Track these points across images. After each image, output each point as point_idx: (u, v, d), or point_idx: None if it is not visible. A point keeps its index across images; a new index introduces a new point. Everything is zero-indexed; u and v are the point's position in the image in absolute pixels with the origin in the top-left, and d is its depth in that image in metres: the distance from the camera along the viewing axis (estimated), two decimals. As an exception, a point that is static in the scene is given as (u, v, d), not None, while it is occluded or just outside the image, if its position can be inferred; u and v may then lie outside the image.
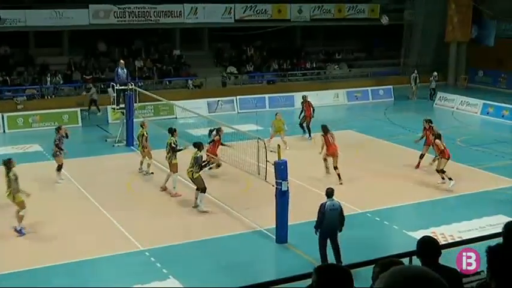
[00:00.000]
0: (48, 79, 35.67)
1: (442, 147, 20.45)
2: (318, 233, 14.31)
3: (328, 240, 14.22)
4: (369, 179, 21.40)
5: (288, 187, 15.65)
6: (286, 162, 15.69)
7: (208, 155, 20.53)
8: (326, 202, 14.16)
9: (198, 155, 18.06)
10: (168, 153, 19.94)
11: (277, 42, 44.58)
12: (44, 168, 21.86)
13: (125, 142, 26.32)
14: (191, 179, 18.25)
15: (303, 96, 29.20)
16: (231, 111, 34.72)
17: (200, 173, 18.22)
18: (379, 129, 29.69)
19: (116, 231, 16.61)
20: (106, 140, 27.59)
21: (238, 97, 35.43)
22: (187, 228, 17.10)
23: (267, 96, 36.04)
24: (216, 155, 21.00)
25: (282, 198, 15.65)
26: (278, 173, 15.67)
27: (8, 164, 16.31)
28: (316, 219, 14.22)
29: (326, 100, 37.63)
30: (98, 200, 18.82)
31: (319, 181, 20.45)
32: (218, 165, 21.46)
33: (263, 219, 17.09)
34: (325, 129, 21.16)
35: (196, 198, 18.17)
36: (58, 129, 21.24)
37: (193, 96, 35.97)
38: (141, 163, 22.38)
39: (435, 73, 39.33)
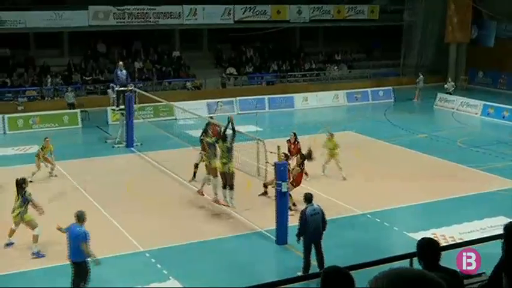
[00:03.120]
0: (49, 80, 35.70)
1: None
2: (300, 241, 14.10)
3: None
4: (369, 180, 21.40)
5: (287, 188, 15.66)
6: (286, 163, 15.71)
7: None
8: (306, 208, 13.95)
9: (229, 145, 17.70)
10: (204, 153, 19.06)
11: (276, 43, 44.60)
12: (44, 170, 21.84)
13: (124, 143, 26.34)
14: (224, 173, 17.76)
15: (291, 133, 22.35)
16: (230, 112, 34.70)
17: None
18: (379, 131, 29.68)
19: (116, 232, 16.62)
20: (106, 141, 27.60)
21: (238, 98, 35.45)
22: (188, 229, 17.10)
23: (266, 97, 36.07)
24: None
25: (281, 199, 15.66)
26: (278, 174, 15.69)
27: (21, 183, 15.75)
28: (298, 226, 14.10)
29: (326, 101, 37.68)
30: (98, 201, 18.83)
31: (321, 182, 20.47)
32: None
33: (263, 220, 17.12)
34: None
35: (217, 197, 18.11)
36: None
37: (193, 97, 35.96)
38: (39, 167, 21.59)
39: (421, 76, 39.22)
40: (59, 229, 13.14)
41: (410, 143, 26.94)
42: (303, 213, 13.96)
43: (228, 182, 17.77)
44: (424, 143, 27.30)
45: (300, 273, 13.71)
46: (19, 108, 32.71)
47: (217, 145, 18.47)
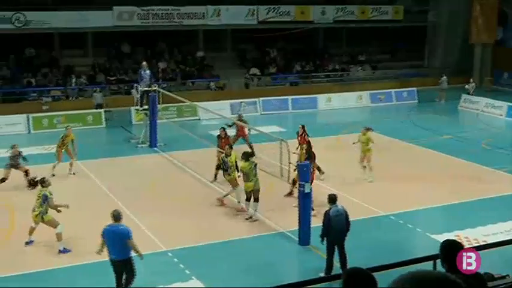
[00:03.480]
0: (73, 80, 35.99)
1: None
2: (324, 242, 14.12)
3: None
4: (393, 181, 21.31)
5: (310, 189, 15.64)
6: (309, 164, 15.69)
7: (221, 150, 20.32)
8: (330, 209, 13.94)
9: (251, 165, 17.46)
10: (225, 172, 18.85)
11: (300, 43, 44.55)
12: (64, 167, 22.01)
13: (148, 143, 26.46)
14: (249, 192, 17.60)
15: (300, 126, 22.26)
16: (253, 112, 34.73)
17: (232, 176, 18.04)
18: (402, 132, 29.55)
19: (139, 231, 16.66)
20: (130, 141, 27.76)
21: (261, 99, 35.46)
22: (211, 230, 17.14)
23: (290, 98, 36.03)
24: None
25: (304, 200, 15.64)
26: (301, 175, 15.68)
27: (41, 182, 16.00)
28: (322, 226, 14.09)
29: (349, 102, 37.57)
30: (121, 200, 18.94)
31: (344, 182, 20.42)
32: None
33: (286, 221, 17.12)
34: None
35: (241, 205, 18.00)
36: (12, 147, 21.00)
37: (216, 97, 36.04)
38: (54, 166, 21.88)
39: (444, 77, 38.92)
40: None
41: (435, 144, 26.75)
42: (326, 214, 13.92)
43: (254, 195, 17.65)
44: (449, 144, 27.10)
45: (322, 274, 13.71)
46: (44, 107, 33.00)
47: (228, 159, 18.40)
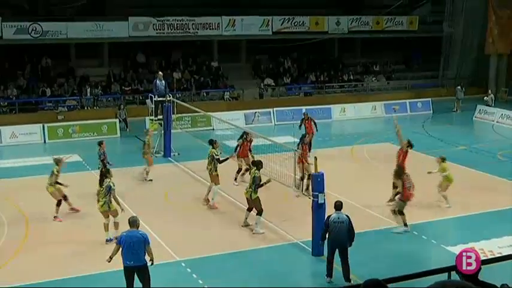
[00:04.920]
0: (88, 90, 36.14)
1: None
2: (322, 246, 14.52)
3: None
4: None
5: (324, 200, 15.55)
6: (323, 174, 15.62)
7: (238, 158, 21.98)
8: (332, 214, 14.15)
9: (256, 175, 17.38)
10: (209, 165, 19.98)
11: (314, 54, 44.55)
12: (84, 179, 22.09)
13: (162, 153, 26.49)
14: (248, 199, 17.65)
15: (304, 113, 27.38)
16: (268, 123, 34.75)
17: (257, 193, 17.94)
18: (417, 142, 29.08)
19: (152, 240, 16.58)
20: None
21: (275, 109, 35.46)
22: (224, 240, 17.09)
23: (304, 108, 35.92)
24: (246, 157, 21.96)
25: (318, 211, 15.56)
26: (315, 185, 15.60)
27: (105, 173, 17.07)
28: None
29: (364, 112, 37.49)
30: (134, 209, 18.89)
31: (358, 194, 20.30)
32: (246, 170, 21.91)
33: (299, 231, 17.03)
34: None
35: (246, 218, 17.90)
36: (100, 143, 21.35)
37: (230, 107, 36.10)
38: (145, 170, 22.92)
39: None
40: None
41: (449, 155, 26.48)
42: (327, 218, 14.12)
43: (255, 208, 17.59)
44: (464, 155, 26.91)
45: (328, 279, 14.00)
46: (59, 117, 33.18)
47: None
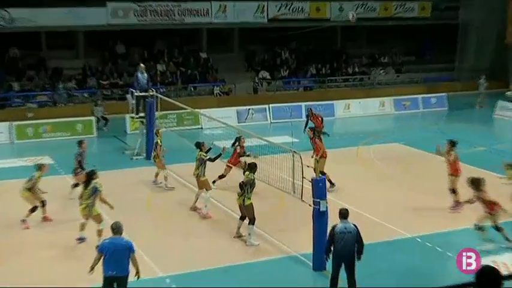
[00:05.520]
0: (61, 85, 35.99)
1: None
2: (328, 259, 14.25)
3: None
4: (418, 199, 21.11)
5: (326, 207, 15.47)
6: (324, 179, 15.56)
7: (228, 166, 22.07)
8: (337, 224, 13.94)
9: (250, 177, 17.35)
10: (196, 170, 20.01)
11: (315, 44, 44.54)
12: (57, 183, 21.94)
13: (144, 155, 26.39)
14: (240, 206, 17.59)
15: (308, 109, 28.65)
16: (263, 121, 34.69)
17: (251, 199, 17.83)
18: (430, 143, 29.18)
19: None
20: (124, 153, 27.71)
21: (271, 105, 35.43)
22: (213, 252, 17.00)
23: (303, 104, 35.91)
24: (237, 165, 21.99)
25: (320, 219, 15.48)
26: (316, 191, 15.51)
27: (92, 174, 17.11)
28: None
29: (370, 109, 37.50)
30: (113, 219, 18.72)
31: (364, 200, 20.23)
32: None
33: (298, 243, 16.96)
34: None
35: (239, 228, 17.86)
36: (80, 143, 21.30)
37: (221, 104, 36.05)
38: (156, 175, 22.85)
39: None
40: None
41: (467, 157, 26.43)
42: (332, 228, 13.92)
43: (248, 216, 17.52)
44: (483, 157, 26.89)
45: None
46: (29, 115, 33.04)
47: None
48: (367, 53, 46.37)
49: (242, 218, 17.74)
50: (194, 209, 19.98)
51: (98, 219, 16.87)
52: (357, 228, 13.86)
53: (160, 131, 23.57)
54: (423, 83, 43.99)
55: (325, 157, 21.98)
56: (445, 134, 31.66)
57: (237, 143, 22.57)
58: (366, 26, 45.05)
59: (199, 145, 20.47)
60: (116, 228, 12.72)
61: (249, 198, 17.29)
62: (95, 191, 16.76)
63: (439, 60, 46.53)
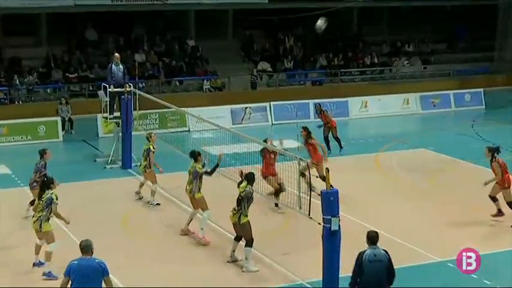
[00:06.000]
0: (17, 81, 35.89)
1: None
2: None
3: None
4: (451, 215, 21.15)
5: (339, 226, 15.52)
6: (337, 192, 15.58)
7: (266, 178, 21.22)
8: (365, 251, 13.71)
9: (248, 190, 17.35)
10: (189, 185, 19.69)
11: (326, 29, 44.53)
12: (14, 197, 21.98)
13: (120, 163, 26.42)
14: (235, 225, 17.55)
15: (316, 105, 29.65)
16: (262, 122, 34.73)
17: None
18: (464, 148, 29.43)
19: (106, 283, 16.61)
20: (95, 160, 27.74)
21: (272, 103, 35.46)
22: (204, 280, 17.03)
23: (311, 102, 35.97)
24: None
25: (331, 240, 15.51)
26: (326, 206, 15.56)
27: (49, 183, 16.95)
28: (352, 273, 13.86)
29: (392, 108, 37.52)
30: (80, 238, 18.83)
31: (382, 217, 20.30)
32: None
33: (305, 268, 17.00)
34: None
35: (234, 251, 17.81)
36: (43, 153, 21.31)
37: (212, 101, 36.09)
38: (141, 186, 22.87)
39: None
40: None
41: (508, 165, 26.60)
42: (359, 257, 13.70)
43: (244, 236, 17.53)
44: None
45: None
46: (-20, 115, 33.08)
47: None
48: (388, 40, 46.42)
49: (237, 239, 17.75)
50: (186, 232, 19.77)
51: (49, 237, 16.67)
52: (388, 255, 13.70)
53: (153, 135, 23.21)
54: (456, 77, 44.04)
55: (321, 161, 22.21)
56: (481, 137, 31.76)
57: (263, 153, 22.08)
58: (388, 7, 45.14)
59: (194, 155, 19.85)
60: (85, 247, 12.57)
61: (246, 216, 17.29)
62: (50, 202, 16.59)
63: (474, 49, 46.58)
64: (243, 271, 17.35)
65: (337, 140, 28.31)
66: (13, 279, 16.94)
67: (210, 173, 19.65)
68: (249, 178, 17.69)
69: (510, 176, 20.60)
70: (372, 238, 13.61)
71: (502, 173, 20.50)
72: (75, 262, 12.58)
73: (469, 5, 45.34)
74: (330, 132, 28.24)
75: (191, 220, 19.81)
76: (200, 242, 19.16)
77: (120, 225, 20.83)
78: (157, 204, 22.37)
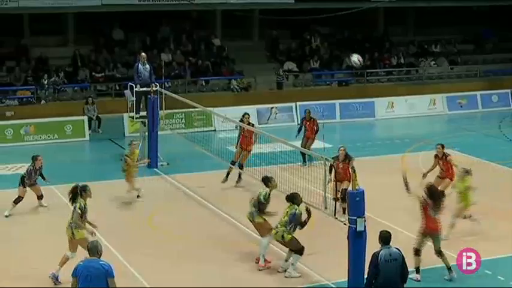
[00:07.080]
0: (44, 81, 36.07)
1: None
2: None
3: None
4: (477, 217, 21.06)
5: (365, 226, 15.54)
6: (363, 192, 15.59)
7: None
8: (380, 251, 13.65)
9: (295, 211, 17.14)
10: (252, 208, 18.18)
11: (352, 29, 44.52)
12: (44, 195, 22.16)
13: (146, 162, 26.55)
14: (280, 241, 17.37)
15: (306, 111, 28.63)
16: (288, 122, 34.74)
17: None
18: (491, 149, 29.32)
19: (131, 281, 16.70)
20: (121, 159, 27.86)
21: (298, 103, 35.47)
22: (230, 281, 17.04)
23: (337, 102, 35.99)
24: None
25: (356, 241, 15.53)
26: (352, 206, 15.58)
27: (81, 191, 16.91)
28: (366, 275, 13.84)
29: (418, 108, 37.47)
30: (109, 240, 18.94)
31: (406, 218, 20.27)
32: None
33: (331, 269, 17.02)
34: None
35: (287, 261, 17.63)
36: (34, 159, 21.60)
37: (238, 101, 36.11)
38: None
39: None
40: None
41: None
42: (374, 257, 13.72)
43: (292, 249, 17.41)
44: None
45: None
46: (8, 113, 33.26)
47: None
48: (415, 40, 46.27)
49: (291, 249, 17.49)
50: (257, 260, 18.16)
51: (83, 243, 15.99)
52: (401, 254, 13.78)
53: (134, 143, 23.91)
54: (483, 77, 43.82)
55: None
56: (509, 139, 31.63)
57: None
58: (415, 8, 45.02)
59: (267, 181, 18.24)
60: (93, 248, 12.61)
61: (289, 234, 17.17)
62: (74, 210, 16.70)
63: (502, 49, 46.35)
64: (285, 276, 17.31)
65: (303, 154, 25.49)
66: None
67: (261, 210, 18.01)
68: (293, 198, 17.34)
69: None
70: (385, 238, 13.69)
71: None
72: (82, 263, 12.62)
73: (496, 6, 45.09)
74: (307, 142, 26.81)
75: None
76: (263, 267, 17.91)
77: (147, 224, 20.89)
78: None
